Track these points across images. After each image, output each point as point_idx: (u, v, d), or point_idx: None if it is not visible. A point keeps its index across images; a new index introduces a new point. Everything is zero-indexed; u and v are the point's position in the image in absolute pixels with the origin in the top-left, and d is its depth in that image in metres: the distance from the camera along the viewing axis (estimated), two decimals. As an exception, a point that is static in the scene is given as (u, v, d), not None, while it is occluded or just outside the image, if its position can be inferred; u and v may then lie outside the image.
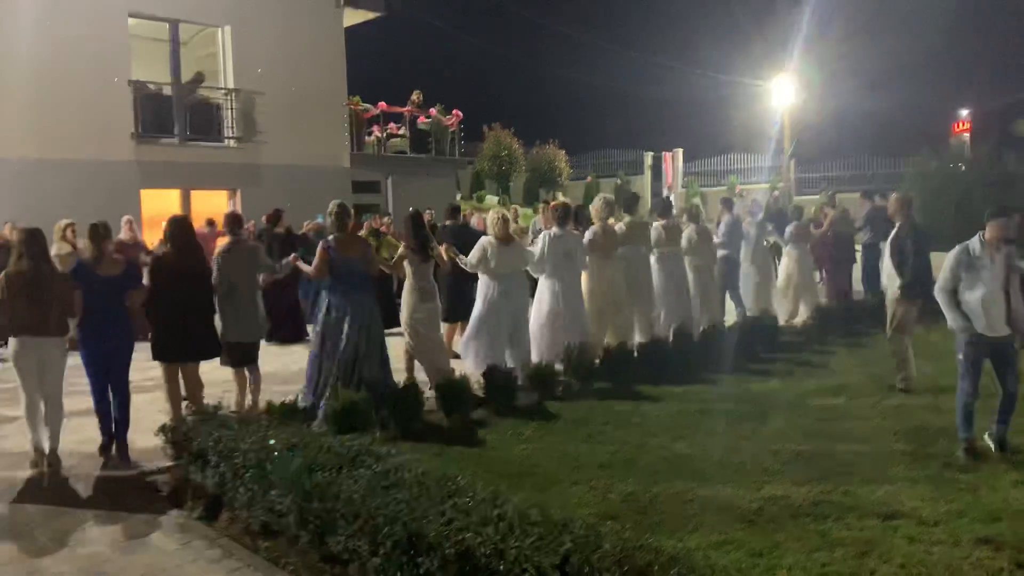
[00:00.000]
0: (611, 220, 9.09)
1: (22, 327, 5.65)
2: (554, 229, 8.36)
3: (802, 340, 9.95)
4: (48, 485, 5.54)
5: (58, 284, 5.76)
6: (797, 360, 8.92)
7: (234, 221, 7.12)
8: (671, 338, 8.74)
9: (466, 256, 8.01)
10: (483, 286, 7.99)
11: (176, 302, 6.27)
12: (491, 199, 27.49)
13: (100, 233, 6.10)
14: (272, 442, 4.64)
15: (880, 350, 9.25)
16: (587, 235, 8.77)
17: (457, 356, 8.35)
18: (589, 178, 31.50)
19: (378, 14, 18.73)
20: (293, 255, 7.60)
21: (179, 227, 6.48)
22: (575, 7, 61.43)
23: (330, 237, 6.85)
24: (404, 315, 7.62)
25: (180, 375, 6.47)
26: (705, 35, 60.54)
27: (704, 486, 5.04)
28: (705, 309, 9.86)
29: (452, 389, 6.71)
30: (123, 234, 11.39)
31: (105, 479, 5.67)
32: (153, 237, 13.37)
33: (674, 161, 32.14)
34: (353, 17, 18.16)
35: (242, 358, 6.92)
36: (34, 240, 5.76)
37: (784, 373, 8.30)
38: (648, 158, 32.35)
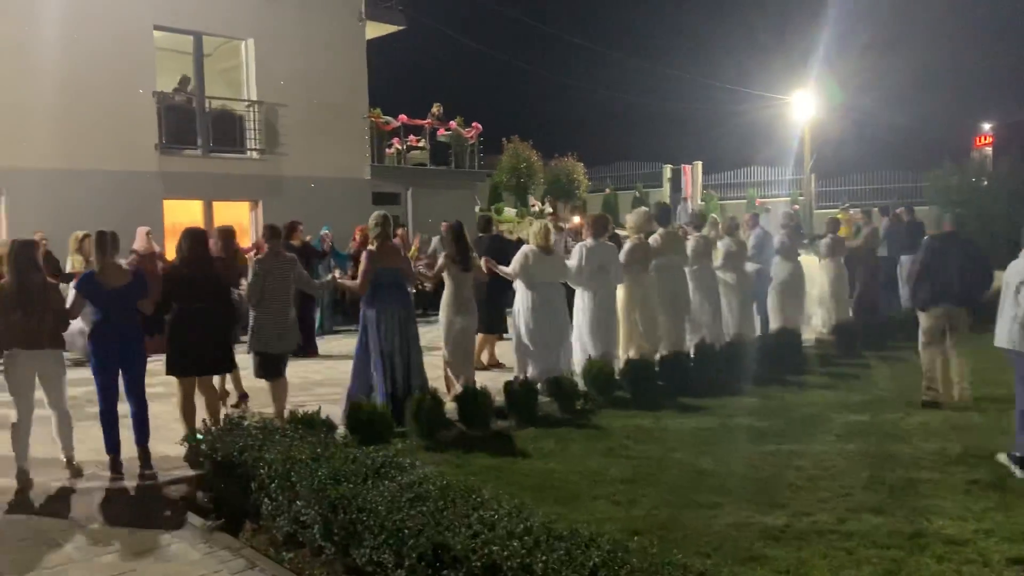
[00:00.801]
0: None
1: (15, 340, 5.57)
2: (590, 240, 8.41)
3: (829, 354, 9.87)
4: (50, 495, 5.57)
5: (51, 295, 5.68)
6: (823, 374, 8.88)
7: (272, 232, 7.13)
8: (692, 351, 8.71)
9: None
10: (522, 296, 8.01)
11: (190, 315, 6.23)
12: (509, 211, 27.53)
13: (106, 243, 5.98)
14: (297, 453, 4.64)
15: (907, 365, 9.22)
16: (625, 247, 8.82)
17: (486, 368, 8.37)
18: (607, 190, 31.49)
19: (399, 28, 18.89)
20: (334, 273, 7.66)
21: (193, 239, 6.40)
22: (594, 21, 61.61)
23: (371, 248, 6.95)
24: (442, 325, 7.69)
25: (196, 389, 6.44)
26: (726, 49, 60.61)
27: (728, 502, 5.00)
28: (737, 323, 9.88)
29: (472, 401, 6.71)
30: (138, 244, 11.11)
31: (125, 488, 5.68)
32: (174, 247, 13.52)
33: (693, 174, 32.07)
34: (375, 30, 18.31)
35: (269, 368, 6.90)
36: (24, 251, 5.68)
37: (809, 387, 8.25)
38: (667, 170, 32.30)
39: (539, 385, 7.43)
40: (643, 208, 9.42)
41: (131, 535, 4.83)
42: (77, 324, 7.04)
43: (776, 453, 6.01)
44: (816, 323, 11.26)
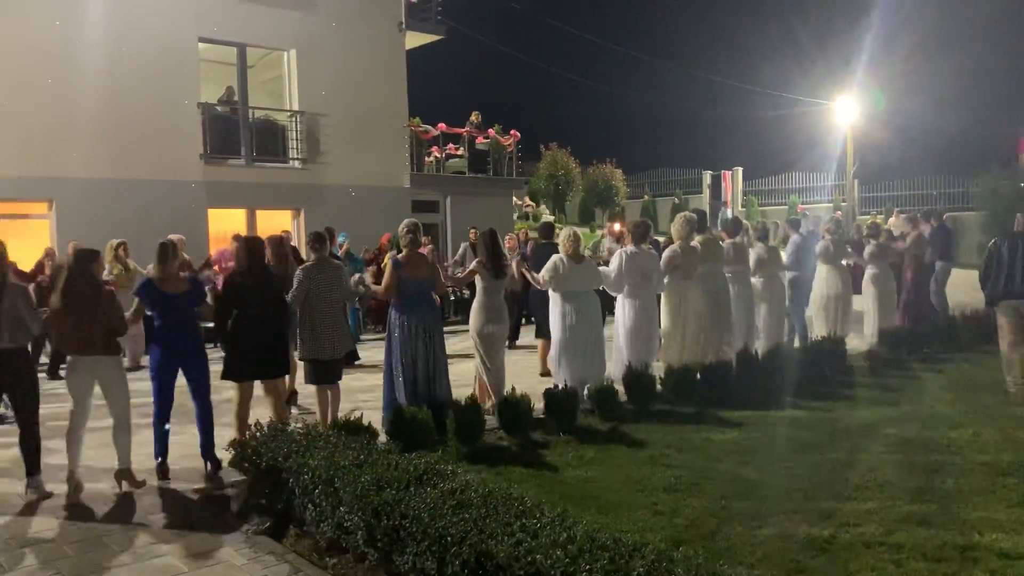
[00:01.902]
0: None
1: (71, 347, 5.76)
2: (630, 247, 8.37)
3: (875, 363, 9.68)
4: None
5: (104, 302, 5.81)
6: (868, 384, 8.71)
7: (319, 239, 7.15)
8: (734, 360, 8.61)
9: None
10: (556, 305, 8.00)
11: (247, 322, 6.38)
12: (547, 218, 27.56)
13: (167, 252, 6.17)
14: (340, 459, 4.68)
15: (953, 375, 9.04)
16: (666, 254, 8.74)
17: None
18: (646, 197, 31.36)
19: (438, 37, 19.04)
20: (357, 276, 7.73)
21: (250, 248, 6.58)
22: (634, 27, 61.41)
23: (399, 256, 6.97)
24: (472, 332, 7.65)
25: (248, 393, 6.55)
26: (767, 55, 59.88)
27: (772, 512, 4.93)
28: (765, 330, 9.76)
29: (513, 409, 6.70)
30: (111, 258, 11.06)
31: (173, 492, 5.79)
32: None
33: (733, 180, 31.79)
34: (414, 40, 18.49)
35: (320, 375, 6.95)
36: (81, 259, 5.85)
37: (854, 397, 8.11)
38: (707, 177, 32.07)
39: (581, 393, 7.41)
40: (685, 213, 9.27)
41: (178, 540, 4.91)
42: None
43: (821, 464, 5.92)
44: (866, 331, 11.04)
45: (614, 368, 8.23)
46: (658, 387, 7.76)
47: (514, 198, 25.94)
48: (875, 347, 10.17)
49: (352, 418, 5.96)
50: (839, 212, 25.83)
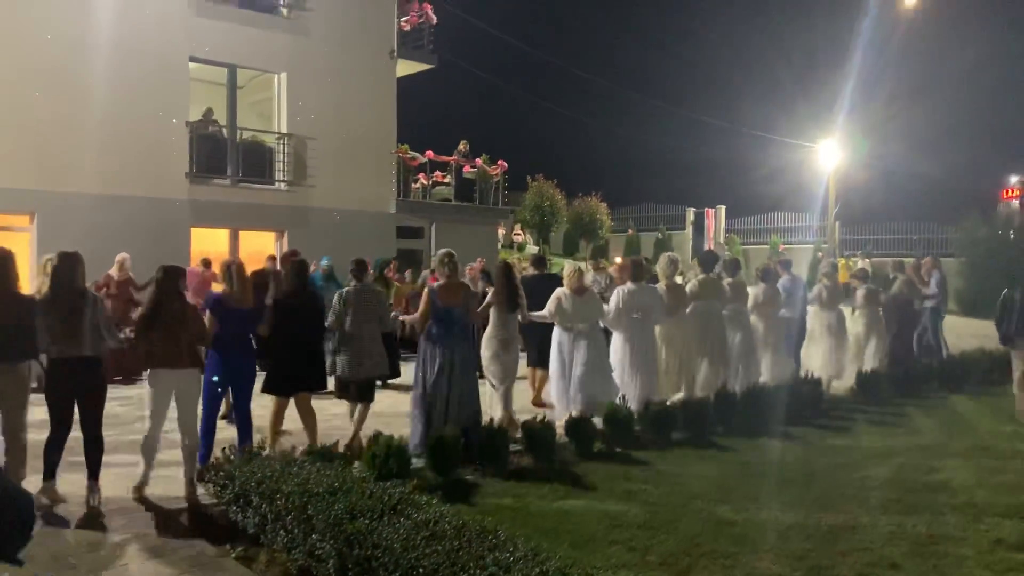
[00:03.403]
0: (677, 278, 9.36)
1: (158, 360, 5.92)
2: (628, 284, 8.53)
3: (856, 403, 9.81)
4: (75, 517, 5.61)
5: (189, 317, 6.05)
6: (847, 425, 8.75)
7: (359, 267, 7.50)
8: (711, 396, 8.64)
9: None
10: (557, 337, 8.18)
11: (291, 338, 6.80)
12: (531, 248, 27.63)
13: (232, 272, 6.58)
14: (314, 486, 4.64)
15: (939, 415, 9.17)
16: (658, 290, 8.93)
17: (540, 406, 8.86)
18: (630, 231, 31.54)
19: (429, 66, 19.18)
20: (394, 315, 8.23)
21: (299, 269, 7.19)
22: (621, 64, 62.21)
23: (434, 285, 7.21)
24: (484, 361, 7.91)
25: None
26: (752, 97, 60.87)
27: (747, 552, 4.93)
28: (770, 369, 9.95)
29: (491, 440, 6.68)
30: (114, 269, 11.35)
31: (145, 514, 5.68)
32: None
33: (716, 218, 32.07)
34: (405, 68, 18.62)
35: (352, 392, 7.33)
36: (170, 276, 6.06)
37: (833, 436, 8.15)
38: (690, 214, 32.34)
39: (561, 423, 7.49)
40: (669, 254, 9.57)
41: (147, 559, 4.83)
42: None
43: (796, 503, 5.93)
44: (853, 371, 11.20)
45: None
46: (635, 423, 7.76)
47: (504, 228, 26.18)
48: (860, 386, 10.25)
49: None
50: (821, 253, 26.09)
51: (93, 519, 5.53)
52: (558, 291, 8.18)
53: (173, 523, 5.54)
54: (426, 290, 7.28)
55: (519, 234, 28.94)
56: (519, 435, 7.12)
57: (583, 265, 8.60)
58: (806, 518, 5.59)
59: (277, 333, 6.81)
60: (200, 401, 6.27)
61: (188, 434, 6.06)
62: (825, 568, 4.70)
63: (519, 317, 8.07)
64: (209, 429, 6.34)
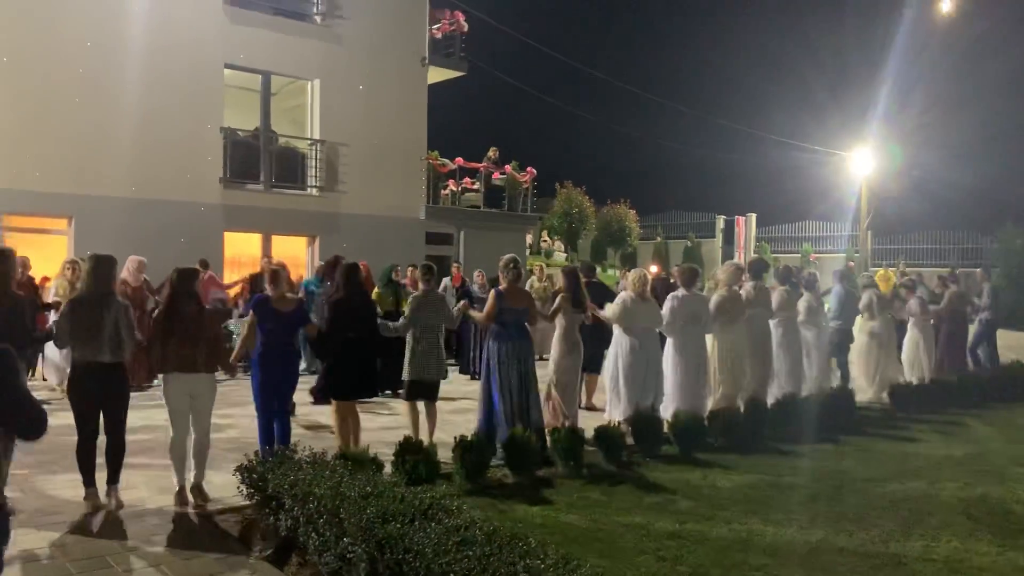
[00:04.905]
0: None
1: (174, 364, 5.87)
2: (681, 291, 8.70)
3: (889, 415, 9.72)
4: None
5: (206, 321, 6.04)
6: (881, 436, 8.67)
7: (429, 271, 7.78)
8: (743, 407, 8.60)
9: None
10: (619, 341, 8.41)
11: (350, 342, 6.89)
12: (559, 256, 27.64)
13: (280, 277, 6.74)
14: (346, 489, 4.68)
15: (981, 429, 9.10)
16: (714, 299, 9.06)
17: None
18: (658, 239, 31.45)
19: (460, 73, 19.28)
20: (462, 303, 8.41)
21: (351, 271, 7.23)
22: (652, 71, 62.06)
23: (500, 288, 7.50)
24: (552, 363, 8.14)
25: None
26: (783, 104, 60.52)
27: (777, 565, 4.90)
28: (817, 377, 10.02)
29: (520, 446, 6.70)
30: (127, 274, 10.30)
31: (179, 515, 5.77)
32: (234, 277, 13.86)
33: (747, 226, 31.85)
34: (436, 75, 18.73)
35: (422, 394, 7.53)
36: (184, 278, 6.03)
37: (865, 449, 8.07)
38: (720, 221, 32.14)
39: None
40: (734, 261, 9.83)
41: (180, 562, 4.90)
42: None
43: (827, 515, 5.88)
44: (899, 381, 11.13)
45: (663, 409, 8.30)
46: (665, 431, 7.74)
47: (532, 234, 26.23)
48: (904, 398, 10.13)
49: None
50: (852, 262, 25.82)
51: (117, 523, 5.56)
52: (622, 294, 8.51)
53: (201, 526, 5.61)
54: (493, 292, 7.59)
55: (546, 241, 28.96)
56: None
57: (645, 272, 8.81)
58: (837, 531, 5.54)
59: (333, 337, 6.92)
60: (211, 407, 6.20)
61: (201, 439, 6.01)
62: (857, 582, 4.66)
63: (585, 317, 8.27)
64: (268, 437, 6.49)
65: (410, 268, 12.01)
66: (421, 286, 7.76)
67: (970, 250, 26.99)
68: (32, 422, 3.01)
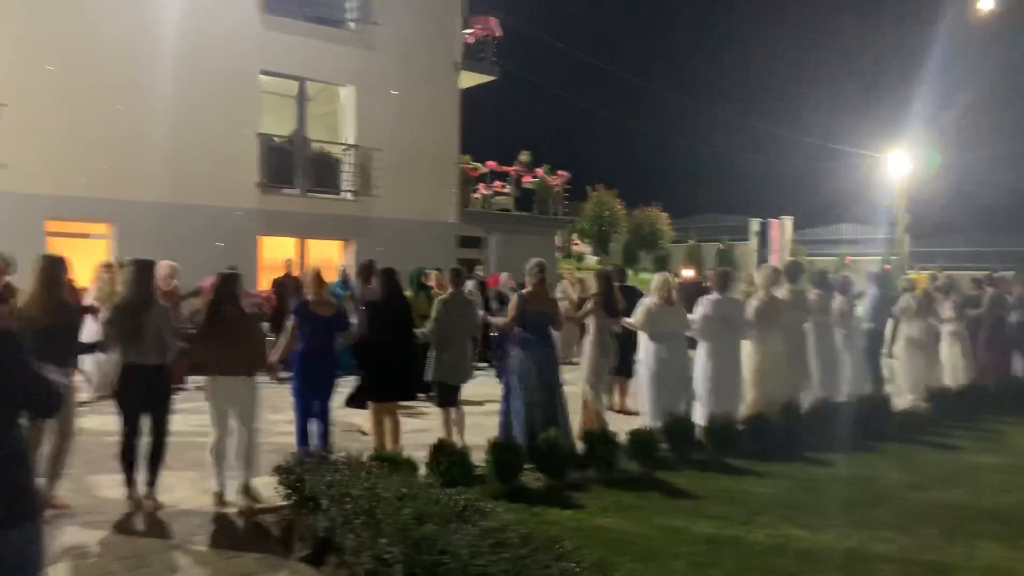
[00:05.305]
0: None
1: (217, 367, 6.00)
2: (715, 294, 8.63)
3: (926, 420, 9.51)
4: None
5: (248, 325, 6.18)
6: (918, 442, 8.52)
7: (457, 275, 7.90)
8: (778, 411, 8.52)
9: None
10: (645, 347, 8.35)
11: (387, 346, 7.03)
12: (590, 260, 27.58)
13: (318, 279, 6.90)
14: (382, 491, 4.74)
15: (1015, 437, 8.86)
16: (752, 303, 8.99)
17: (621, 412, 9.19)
18: (691, 242, 31.27)
19: (492, 78, 19.36)
20: (482, 313, 8.53)
21: (388, 276, 7.39)
22: (685, 74, 61.76)
23: (524, 291, 7.53)
24: (585, 366, 8.23)
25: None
26: (818, 106, 59.84)
27: (814, 571, 4.87)
28: (853, 380, 9.89)
29: (552, 451, 6.71)
30: (158, 279, 9.20)
31: (219, 516, 5.87)
32: (268, 280, 14.03)
33: (782, 229, 31.54)
34: (469, 80, 18.82)
35: (449, 397, 7.63)
36: (226, 282, 6.16)
37: (902, 456, 7.95)
38: (754, 224, 31.86)
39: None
40: (771, 264, 9.74)
41: (221, 561, 4.99)
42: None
43: (863, 521, 5.82)
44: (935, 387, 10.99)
45: (696, 414, 8.25)
46: (697, 435, 7.71)
47: (562, 238, 26.19)
48: (943, 403, 9.98)
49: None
50: (888, 266, 25.49)
51: (159, 522, 5.67)
52: (646, 300, 8.41)
53: (240, 527, 5.70)
54: (515, 296, 7.62)
55: (576, 244, 28.92)
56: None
57: (669, 276, 8.73)
58: (875, 538, 5.49)
59: (373, 340, 7.03)
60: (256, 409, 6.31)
61: (244, 441, 6.10)
62: (895, 589, 4.61)
63: (614, 324, 8.29)
64: (303, 441, 6.61)
65: (434, 272, 11.90)
66: (449, 289, 7.84)
67: (1009, 253, 26.48)
68: (51, 398, 3.04)
